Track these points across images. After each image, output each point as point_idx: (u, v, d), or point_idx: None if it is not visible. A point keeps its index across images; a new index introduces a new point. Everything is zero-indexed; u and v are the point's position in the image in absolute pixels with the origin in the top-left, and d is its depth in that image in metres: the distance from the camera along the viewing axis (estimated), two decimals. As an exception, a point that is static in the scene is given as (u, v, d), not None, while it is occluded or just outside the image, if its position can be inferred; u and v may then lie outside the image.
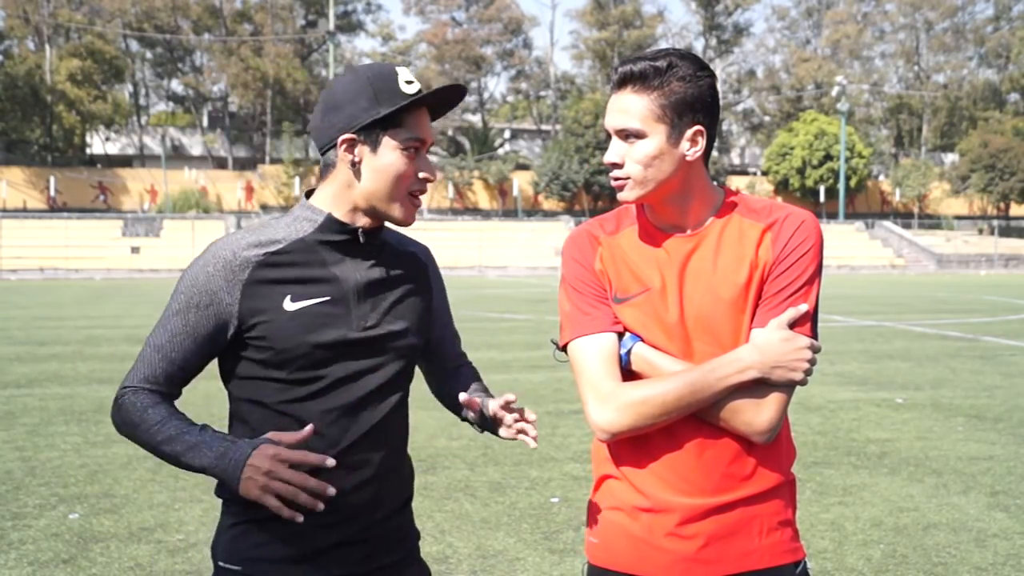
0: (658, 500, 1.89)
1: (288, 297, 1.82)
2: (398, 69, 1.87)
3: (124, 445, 7.05)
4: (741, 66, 71.95)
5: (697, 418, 1.86)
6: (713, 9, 67.69)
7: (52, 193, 49.84)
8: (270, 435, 1.76)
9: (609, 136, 1.90)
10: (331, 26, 54.60)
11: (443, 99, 1.91)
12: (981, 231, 57.58)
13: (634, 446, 1.92)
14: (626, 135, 1.85)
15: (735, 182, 60.73)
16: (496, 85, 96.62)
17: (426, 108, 1.89)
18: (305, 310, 1.82)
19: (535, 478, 6.17)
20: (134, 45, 62.59)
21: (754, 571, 1.90)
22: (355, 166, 1.85)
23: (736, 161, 68.92)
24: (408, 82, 1.85)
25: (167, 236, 43.22)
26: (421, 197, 1.94)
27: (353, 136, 1.83)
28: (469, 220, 50.82)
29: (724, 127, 70.95)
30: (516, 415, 1.97)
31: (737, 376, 1.81)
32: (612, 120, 1.87)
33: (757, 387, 1.83)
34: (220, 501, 1.93)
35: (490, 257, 44.20)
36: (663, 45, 70.38)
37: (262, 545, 1.85)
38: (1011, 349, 13.45)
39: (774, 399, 1.83)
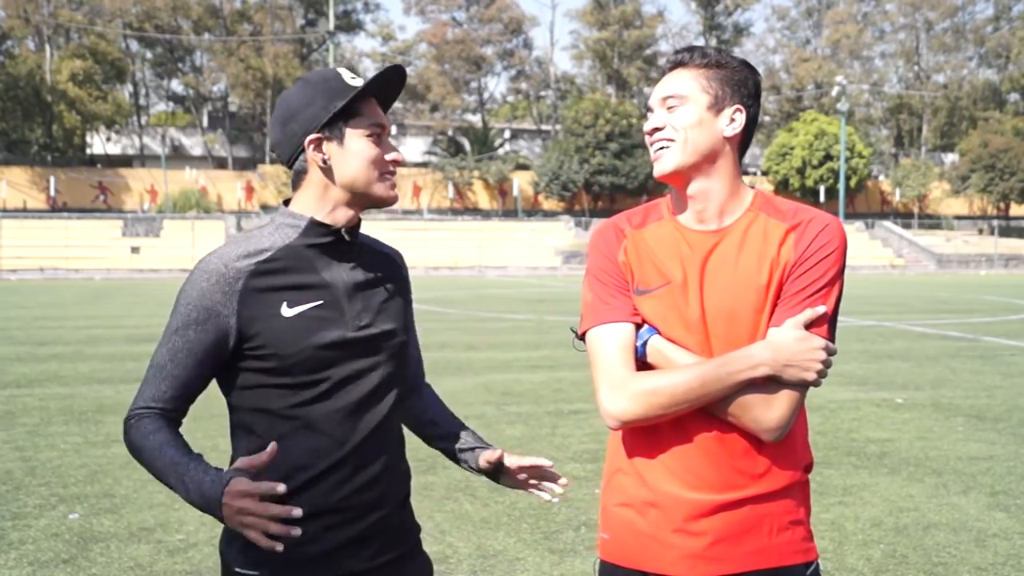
0: (666, 494, 1.89)
1: (285, 303, 1.86)
2: (339, 70, 1.94)
3: (124, 445, 7.04)
4: (741, 66, 71.92)
5: (709, 413, 1.87)
6: (713, 9, 67.68)
7: (52, 193, 49.83)
8: (238, 463, 1.76)
9: (650, 110, 1.97)
10: (331, 26, 54.57)
11: (387, 87, 1.98)
12: (981, 231, 57.57)
13: (645, 439, 1.92)
14: (669, 103, 1.92)
15: (735, 182, 60.65)
16: (496, 85, 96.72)
17: (375, 99, 1.96)
18: (303, 314, 1.86)
19: (535, 478, 6.16)
20: (134, 45, 62.60)
21: (764, 570, 1.89)
22: (326, 163, 1.90)
23: (736, 161, 68.84)
24: (352, 77, 1.93)
25: (167, 236, 43.22)
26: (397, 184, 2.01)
27: (319, 135, 1.89)
28: (469, 220, 50.83)
29: (724, 127, 70.90)
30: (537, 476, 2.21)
31: (748, 372, 1.81)
32: (657, 92, 1.95)
33: (769, 385, 1.82)
34: None
35: (490, 257, 44.20)
36: (663, 45, 69.47)
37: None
38: (1011, 349, 13.45)
39: (785, 397, 1.83)
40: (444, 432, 2.22)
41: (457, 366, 11.44)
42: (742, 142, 1.95)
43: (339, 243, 1.93)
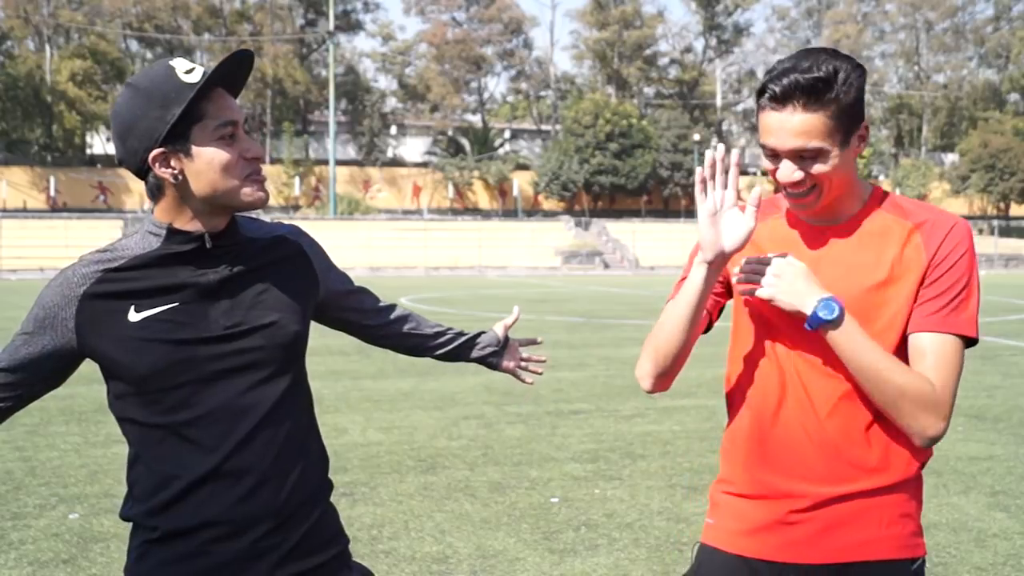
0: (774, 486, 1.88)
1: (132, 308, 1.76)
2: (172, 63, 1.74)
3: (124, 445, 7.02)
4: (741, 66, 71.96)
5: (816, 406, 1.84)
6: (713, 9, 67.68)
7: (52, 193, 49.83)
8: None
9: (775, 156, 1.83)
10: (331, 26, 54.58)
11: (233, 72, 1.78)
12: (981, 231, 57.56)
13: (755, 428, 1.92)
14: (802, 156, 1.80)
15: (735, 182, 60.63)
16: (496, 85, 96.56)
17: (222, 89, 1.76)
18: (153, 318, 1.76)
19: (535, 478, 6.17)
20: (134, 45, 62.63)
21: (870, 562, 1.86)
22: (178, 179, 1.74)
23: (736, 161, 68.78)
24: (188, 71, 1.72)
25: (167, 236, 43.18)
26: (264, 176, 1.86)
27: (162, 149, 1.72)
28: (469, 220, 50.81)
29: (724, 127, 70.94)
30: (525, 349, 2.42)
31: (691, 263, 1.92)
32: (786, 142, 1.79)
33: (938, 391, 1.79)
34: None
35: (490, 257, 44.19)
36: (663, 45, 68.89)
37: (162, 565, 1.81)
38: (1011, 349, 13.44)
39: (947, 402, 1.80)
40: (442, 340, 2.35)
41: (457, 366, 11.43)
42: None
43: (202, 249, 1.80)
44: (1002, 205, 61.72)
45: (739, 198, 1.88)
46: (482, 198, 58.82)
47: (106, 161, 58.26)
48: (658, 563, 4.63)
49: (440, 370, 10.93)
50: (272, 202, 52.68)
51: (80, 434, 7.43)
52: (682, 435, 7.47)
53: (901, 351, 1.84)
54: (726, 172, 1.87)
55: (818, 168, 1.80)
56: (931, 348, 1.81)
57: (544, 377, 10.53)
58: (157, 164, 1.73)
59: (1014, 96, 71.57)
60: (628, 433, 7.58)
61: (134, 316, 1.76)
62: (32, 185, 51.20)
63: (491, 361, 2.39)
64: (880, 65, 73.60)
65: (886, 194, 1.93)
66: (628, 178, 55.80)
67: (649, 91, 68.88)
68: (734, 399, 2.01)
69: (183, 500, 1.79)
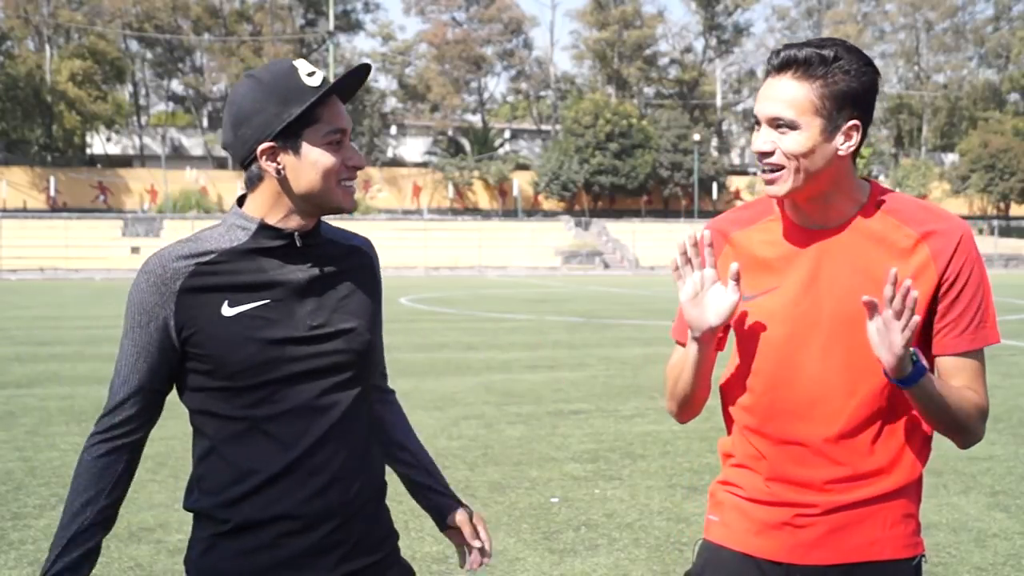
0: (783, 497, 1.89)
1: (225, 303, 1.78)
2: (295, 63, 1.80)
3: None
4: (741, 66, 71.94)
5: (826, 426, 1.84)
6: (713, 9, 67.67)
7: (52, 193, 49.84)
8: None
9: (758, 123, 1.82)
10: (331, 26, 54.61)
11: (350, 82, 1.84)
12: (981, 231, 57.58)
13: (762, 435, 1.91)
14: (778, 124, 1.78)
15: (735, 182, 60.69)
16: (496, 85, 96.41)
17: (336, 96, 1.82)
18: (245, 314, 1.78)
19: (535, 478, 6.17)
20: (134, 45, 62.62)
21: (873, 562, 1.88)
22: (281, 173, 1.79)
23: (736, 161, 68.84)
24: (310, 74, 1.79)
25: (167, 236, 43.20)
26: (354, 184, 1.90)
27: (272, 144, 1.77)
28: (469, 220, 50.82)
29: (724, 127, 70.93)
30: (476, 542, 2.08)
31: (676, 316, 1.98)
32: (766, 107, 1.79)
33: (982, 404, 1.87)
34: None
35: (490, 257, 44.20)
36: (663, 45, 68.81)
37: (231, 558, 1.83)
38: (1011, 349, 13.43)
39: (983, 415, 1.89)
40: (413, 460, 2.17)
41: (457, 366, 11.44)
42: (857, 147, 1.85)
43: (291, 247, 1.84)
44: (1002, 205, 61.72)
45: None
46: (482, 198, 58.81)
47: (106, 161, 58.30)
48: (658, 563, 4.63)
49: (440, 370, 10.94)
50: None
51: (80, 434, 7.43)
52: (682, 435, 7.47)
53: None
54: (702, 253, 1.87)
55: (788, 144, 1.76)
56: (965, 366, 1.87)
57: (544, 377, 10.57)
58: (264, 157, 1.78)
59: (1014, 96, 71.57)
60: (628, 433, 7.58)
61: (228, 311, 1.78)
62: (32, 185, 51.19)
63: (435, 519, 2.17)
64: (880, 65, 73.49)
65: (884, 195, 1.87)
66: (628, 178, 55.79)
67: (649, 91, 68.87)
68: (733, 413, 1.98)
69: (258, 494, 1.80)
